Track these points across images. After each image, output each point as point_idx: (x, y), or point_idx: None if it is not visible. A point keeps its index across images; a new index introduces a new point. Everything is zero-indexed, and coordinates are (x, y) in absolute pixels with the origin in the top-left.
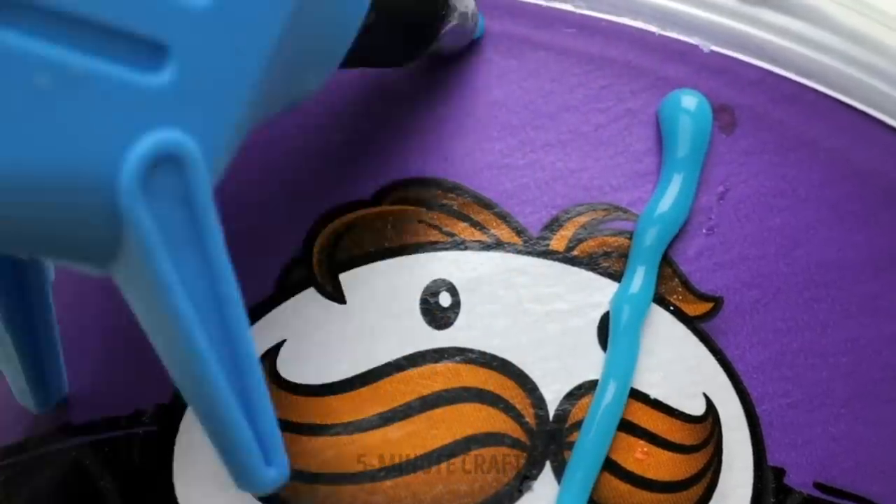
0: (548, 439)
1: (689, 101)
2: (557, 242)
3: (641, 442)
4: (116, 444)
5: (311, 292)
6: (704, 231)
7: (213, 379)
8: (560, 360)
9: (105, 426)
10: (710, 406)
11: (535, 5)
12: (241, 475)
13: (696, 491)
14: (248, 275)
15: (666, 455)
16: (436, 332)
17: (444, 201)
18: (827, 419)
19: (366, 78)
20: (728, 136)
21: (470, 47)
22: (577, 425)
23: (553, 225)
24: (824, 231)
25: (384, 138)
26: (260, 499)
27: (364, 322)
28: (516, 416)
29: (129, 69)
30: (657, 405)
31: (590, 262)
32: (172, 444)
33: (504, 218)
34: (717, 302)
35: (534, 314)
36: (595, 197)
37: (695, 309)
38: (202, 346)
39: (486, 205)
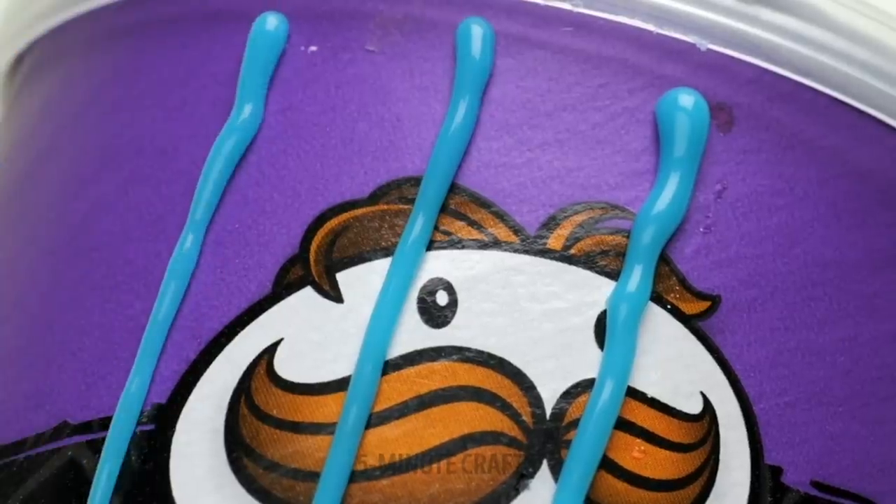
0: (545, 438)
1: (687, 99)
2: (555, 241)
3: (639, 440)
4: None
5: (308, 291)
6: (702, 230)
7: None
8: (557, 359)
9: (102, 425)
10: (708, 404)
11: (532, 3)
12: None
13: (694, 489)
14: (246, 274)
15: (663, 454)
16: (433, 330)
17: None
18: (824, 418)
19: (361, 76)
20: (725, 134)
21: None
22: (575, 424)
23: (550, 223)
24: (822, 230)
25: (380, 137)
26: (256, 497)
27: (361, 321)
28: (513, 414)
29: None
30: (654, 404)
31: (587, 261)
32: (170, 443)
33: (501, 216)
34: (715, 300)
35: (531, 313)
36: (592, 196)
37: (692, 307)
38: None
39: (483, 203)
